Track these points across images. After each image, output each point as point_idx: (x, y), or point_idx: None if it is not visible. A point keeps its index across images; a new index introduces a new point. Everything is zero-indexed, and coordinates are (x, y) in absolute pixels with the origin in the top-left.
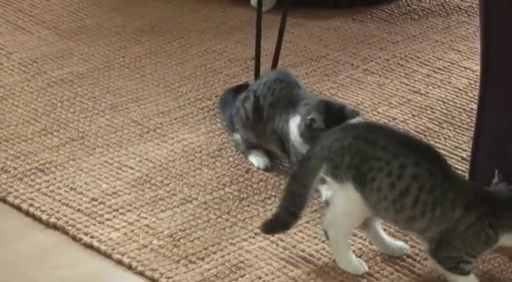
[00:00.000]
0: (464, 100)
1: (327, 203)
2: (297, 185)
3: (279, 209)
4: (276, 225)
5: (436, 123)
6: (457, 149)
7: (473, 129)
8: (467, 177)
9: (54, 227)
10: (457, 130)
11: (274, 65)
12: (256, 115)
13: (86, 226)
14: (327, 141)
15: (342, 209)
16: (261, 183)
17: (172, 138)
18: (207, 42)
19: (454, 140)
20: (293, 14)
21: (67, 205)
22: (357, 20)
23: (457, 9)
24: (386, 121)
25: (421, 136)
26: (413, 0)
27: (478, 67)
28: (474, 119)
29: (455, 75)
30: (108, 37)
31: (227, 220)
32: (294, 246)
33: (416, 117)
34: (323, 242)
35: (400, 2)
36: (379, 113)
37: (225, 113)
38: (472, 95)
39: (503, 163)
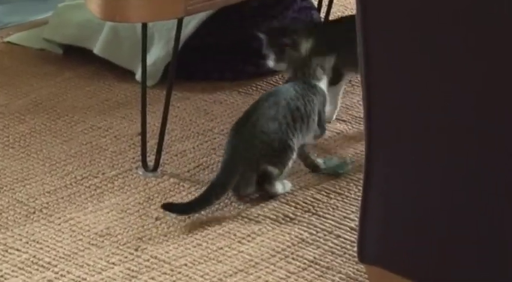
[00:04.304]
0: (351, 170)
1: None
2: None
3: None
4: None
5: (324, 193)
6: (345, 219)
7: (360, 199)
8: (356, 248)
9: None
10: (345, 200)
11: (161, 140)
12: None
13: None
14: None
15: None
16: (151, 260)
17: (59, 217)
18: (92, 119)
19: (342, 210)
20: (178, 88)
21: None
22: (242, 93)
23: None
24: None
25: (310, 207)
26: None
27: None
28: (361, 188)
29: (341, 145)
30: None
31: None
32: None
33: (304, 189)
34: None
35: (285, 74)
36: None
37: None
38: (357, 165)
39: (391, 229)
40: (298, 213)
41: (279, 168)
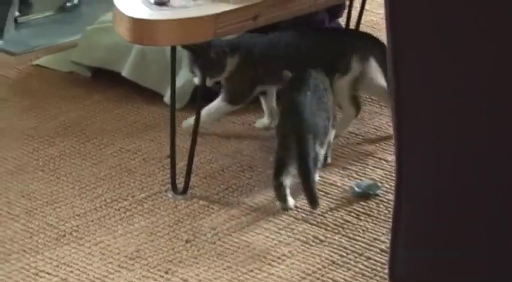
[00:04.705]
0: (381, 191)
1: None
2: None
3: None
4: None
5: (354, 215)
6: (375, 241)
7: (391, 220)
8: (387, 270)
9: None
10: (375, 221)
11: (190, 162)
12: None
13: None
14: None
15: None
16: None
17: (89, 240)
18: (121, 142)
19: (373, 231)
20: None
21: None
22: None
23: (369, 100)
24: (304, 215)
25: (340, 229)
26: None
27: (392, 157)
28: (391, 210)
29: (370, 167)
30: (21, 139)
31: None
32: None
33: (334, 210)
34: None
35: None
36: None
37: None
38: (388, 186)
39: (422, 252)
40: (328, 235)
41: (323, 148)
